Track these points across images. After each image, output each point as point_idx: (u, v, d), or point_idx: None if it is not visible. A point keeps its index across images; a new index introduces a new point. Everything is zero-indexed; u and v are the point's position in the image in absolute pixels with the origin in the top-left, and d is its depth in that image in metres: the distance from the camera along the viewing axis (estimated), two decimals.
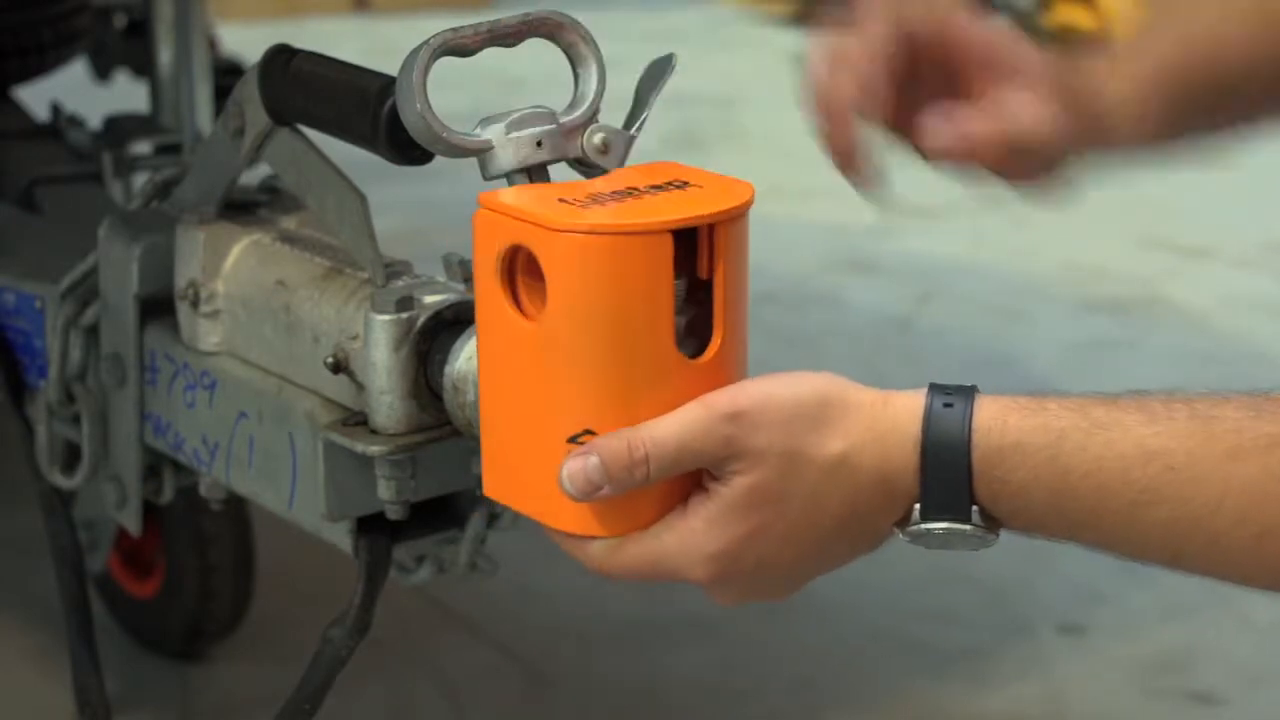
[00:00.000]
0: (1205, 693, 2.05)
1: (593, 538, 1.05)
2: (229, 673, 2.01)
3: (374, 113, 1.21)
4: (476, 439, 1.12)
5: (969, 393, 1.00)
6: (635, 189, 1.05)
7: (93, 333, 1.54)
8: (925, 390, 1.00)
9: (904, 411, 1.00)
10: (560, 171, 1.11)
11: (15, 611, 2.10)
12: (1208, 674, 2.09)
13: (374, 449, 1.23)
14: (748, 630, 2.17)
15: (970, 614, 2.21)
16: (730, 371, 1.06)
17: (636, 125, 1.13)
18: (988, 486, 0.99)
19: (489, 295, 1.05)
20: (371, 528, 1.32)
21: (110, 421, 1.54)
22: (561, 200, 1.04)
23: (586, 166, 1.12)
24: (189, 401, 1.44)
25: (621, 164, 1.12)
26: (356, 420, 1.27)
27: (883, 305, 3.41)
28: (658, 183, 1.06)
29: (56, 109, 2.13)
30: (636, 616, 2.16)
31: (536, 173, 1.10)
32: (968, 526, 1.00)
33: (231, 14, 5.37)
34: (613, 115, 1.13)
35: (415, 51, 1.08)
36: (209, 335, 1.42)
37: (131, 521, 1.56)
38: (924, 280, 3.55)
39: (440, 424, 1.24)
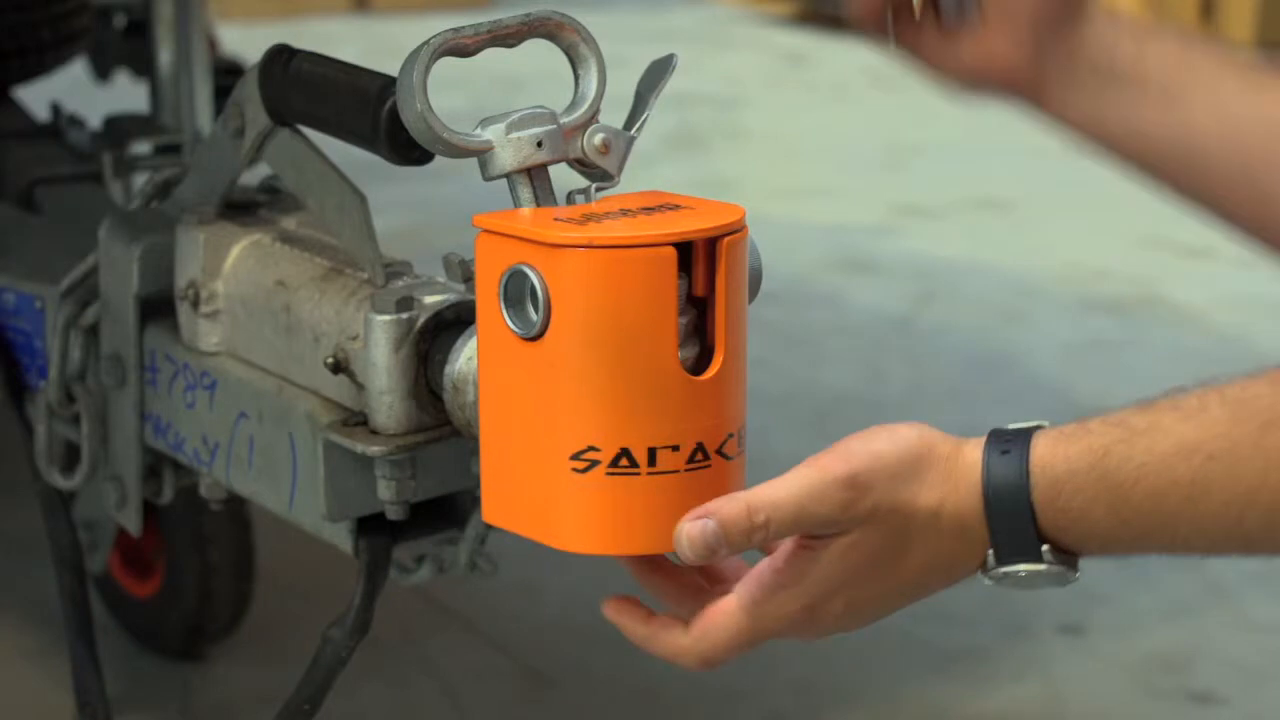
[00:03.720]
0: (1205, 693, 2.05)
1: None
2: (229, 673, 2.01)
3: (374, 113, 1.21)
4: (476, 439, 1.12)
5: (1027, 436, 1.02)
6: (629, 210, 1.06)
7: (93, 333, 1.54)
8: (982, 441, 1.03)
9: (969, 462, 1.02)
10: (560, 172, 1.11)
11: (15, 611, 2.10)
12: (1208, 674, 2.09)
13: (374, 449, 1.23)
14: None
15: (970, 614, 2.21)
16: (732, 388, 1.06)
17: (637, 126, 1.13)
18: (1052, 520, 1.01)
19: (492, 317, 1.05)
20: (371, 528, 1.32)
21: (110, 422, 1.54)
22: (558, 220, 1.04)
23: (586, 167, 1.12)
24: (189, 402, 1.44)
25: (622, 164, 1.12)
26: (356, 420, 1.27)
27: (883, 305, 3.41)
28: (650, 205, 1.07)
29: (56, 109, 2.13)
30: None
31: (537, 173, 1.10)
32: (1043, 566, 1.02)
33: (231, 14, 5.38)
34: (613, 115, 1.13)
35: (415, 51, 1.08)
36: (209, 335, 1.42)
37: (131, 521, 1.56)
38: (924, 280, 3.55)
39: (440, 424, 1.24)
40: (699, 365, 1.05)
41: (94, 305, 1.53)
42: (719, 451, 1.06)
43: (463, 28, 1.10)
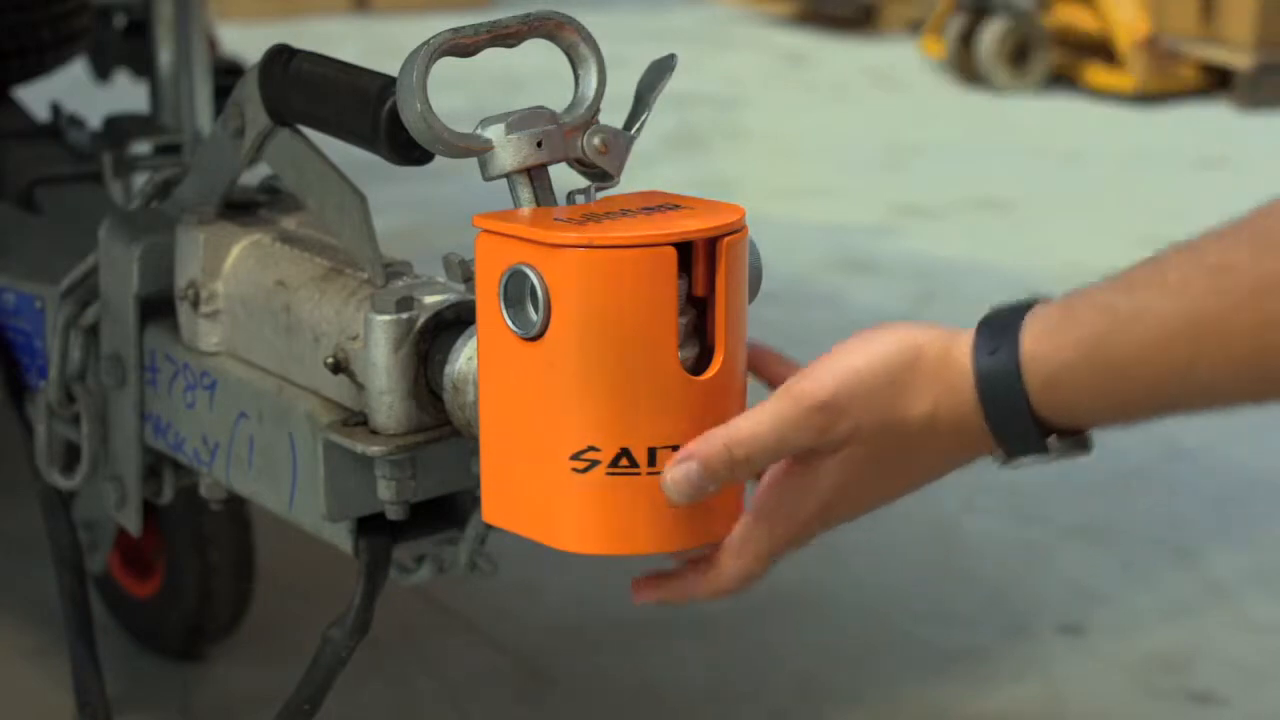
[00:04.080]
0: (1205, 693, 2.05)
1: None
2: (229, 673, 2.01)
3: (374, 113, 1.21)
4: (476, 439, 1.12)
5: (1015, 328, 1.01)
6: (629, 210, 1.06)
7: (93, 333, 1.54)
8: (969, 338, 1.02)
9: (959, 363, 1.02)
10: (561, 172, 1.11)
11: (15, 611, 2.10)
12: (1208, 674, 2.09)
13: (374, 449, 1.23)
14: (748, 630, 2.17)
15: (970, 614, 2.21)
16: (731, 387, 1.06)
17: (637, 126, 1.13)
18: (1052, 411, 1.01)
19: (492, 317, 1.05)
20: (371, 528, 1.31)
21: (110, 422, 1.54)
22: (558, 220, 1.04)
23: (586, 167, 1.12)
24: (189, 402, 1.44)
25: (622, 164, 1.12)
26: (356, 420, 1.27)
27: (883, 305, 3.41)
28: (650, 205, 1.07)
29: (56, 109, 2.13)
30: (636, 616, 2.16)
31: (536, 173, 1.10)
32: (1052, 454, 1.02)
33: (231, 14, 5.38)
34: (613, 115, 1.13)
35: (415, 51, 1.08)
36: (209, 335, 1.42)
37: (131, 521, 1.56)
38: (924, 280, 3.55)
39: (440, 424, 1.24)
40: (699, 365, 1.05)
41: (94, 305, 1.53)
42: None
43: (463, 28, 1.10)
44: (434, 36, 1.08)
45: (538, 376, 1.04)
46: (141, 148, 2.05)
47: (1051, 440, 1.02)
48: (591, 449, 1.03)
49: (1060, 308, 1.02)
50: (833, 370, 1.03)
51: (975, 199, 4.17)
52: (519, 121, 1.09)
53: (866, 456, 1.03)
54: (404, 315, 1.22)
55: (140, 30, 2.26)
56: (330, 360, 1.27)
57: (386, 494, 1.25)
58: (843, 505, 1.06)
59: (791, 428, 1.02)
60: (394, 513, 1.27)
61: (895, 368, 1.02)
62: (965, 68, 5.34)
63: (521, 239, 1.03)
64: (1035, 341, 1.00)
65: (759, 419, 1.02)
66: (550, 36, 1.13)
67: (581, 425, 1.03)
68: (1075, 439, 1.03)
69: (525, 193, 1.09)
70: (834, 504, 1.06)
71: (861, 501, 1.07)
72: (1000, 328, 1.02)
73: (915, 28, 5.92)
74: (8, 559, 2.20)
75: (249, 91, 1.35)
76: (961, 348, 1.02)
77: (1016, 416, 1.01)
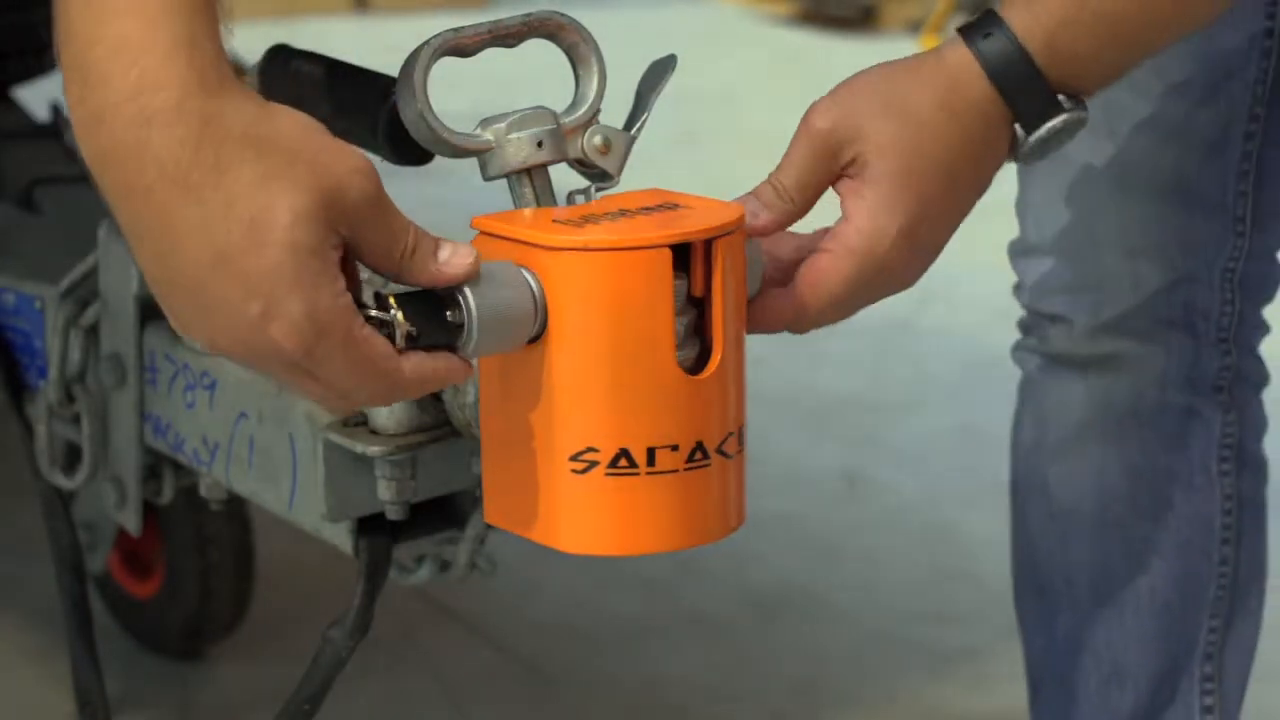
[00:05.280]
0: None
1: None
2: (229, 673, 2.01)
3: (374, 113, 1.21)
4: (476, 439, 1.12)
5: (995, 17, 1.07)
6: (627, 210, 1.06)
7: (93, 333, 1.54)
8: (958, 39, 1.08)
9: (960, 60, 1.08)
10: (561, 172, 1.11)
11: (16, 612, 2.10)
12: None
13: (374, 449, 1.23)
14: (748, 630, 2.17)
15: (970, 614, 2.21)
16: (730, 387, 1.06)
17: (637, 126, 1.13)
18: (1058, 70, 1.07)
19: None
20: (371, 528, 1.32)
21: (110, 422, 1.54)
22: (556, 221, 1.04)
23: (587, 167, 1.12)
24: (189, 402, 1.44)
25: (622, 164, 1.12)
26: (356, 421, 1.27)
27: (883, 305, 3.40)
28: (649, 205, 1.07)
29: (56, 109, 2.13)
30: (636, 616, 2.16)
31: (537, 173, 1.10)
32: (1065, 114, 1.08)
33: (231, 14, 5.37)
34: (613, 115, 1.13)
35: (415, 52, 1.08)
36: None
37: (131, 522, 1.56)
38: (923, 280, 3.54)
39: (440, 424, 1.24)
40: (699, 365, 1.05)
41: (94, 305, 1.53)
42: (719, 450, 1.06)
43: (463, 28, 1.10)
44: (434, 36, 1.08)
45: (536, 378, 1.04)
46: None
47: (1064, 100, 1.07)
48: (590, 450, 1.03)
49: None
50: (832, 96, 1.13)
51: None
52: (519, 121, 1.09)
53: (896, 165, 1.09)
54: None
55: None
56: None
57: (386, 494, 1.25)
58: (893, 219, 1.12)
59: (809, 153, 1.11)
60: (394, 513, 1.27)
61: (888, 71, 1.10)
62: None
63: (518, 241, 1.03)
64: (1022, 15, 1.06)
65: (786, 157, 1.13)
66: (550, 36, 1.13)
67: (580, 426, 1.03)
68: (1079, 102, 1.09)
69: (525, 193, 1.09)
70: (916, 224, 1.12)
71: (925, 219, 1.12)
72: (980, 22, 1.08)
73: (915, 27, 5.92)
74: (8, 559, 2.20)
75: None
76: (953, 51, 1.08)
77: (1032, 86, 1.07)
